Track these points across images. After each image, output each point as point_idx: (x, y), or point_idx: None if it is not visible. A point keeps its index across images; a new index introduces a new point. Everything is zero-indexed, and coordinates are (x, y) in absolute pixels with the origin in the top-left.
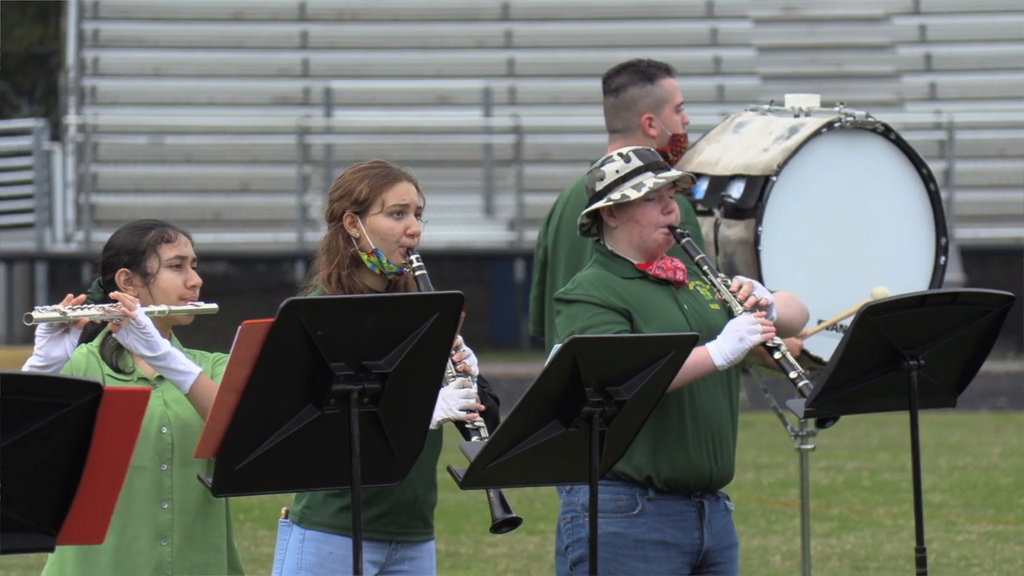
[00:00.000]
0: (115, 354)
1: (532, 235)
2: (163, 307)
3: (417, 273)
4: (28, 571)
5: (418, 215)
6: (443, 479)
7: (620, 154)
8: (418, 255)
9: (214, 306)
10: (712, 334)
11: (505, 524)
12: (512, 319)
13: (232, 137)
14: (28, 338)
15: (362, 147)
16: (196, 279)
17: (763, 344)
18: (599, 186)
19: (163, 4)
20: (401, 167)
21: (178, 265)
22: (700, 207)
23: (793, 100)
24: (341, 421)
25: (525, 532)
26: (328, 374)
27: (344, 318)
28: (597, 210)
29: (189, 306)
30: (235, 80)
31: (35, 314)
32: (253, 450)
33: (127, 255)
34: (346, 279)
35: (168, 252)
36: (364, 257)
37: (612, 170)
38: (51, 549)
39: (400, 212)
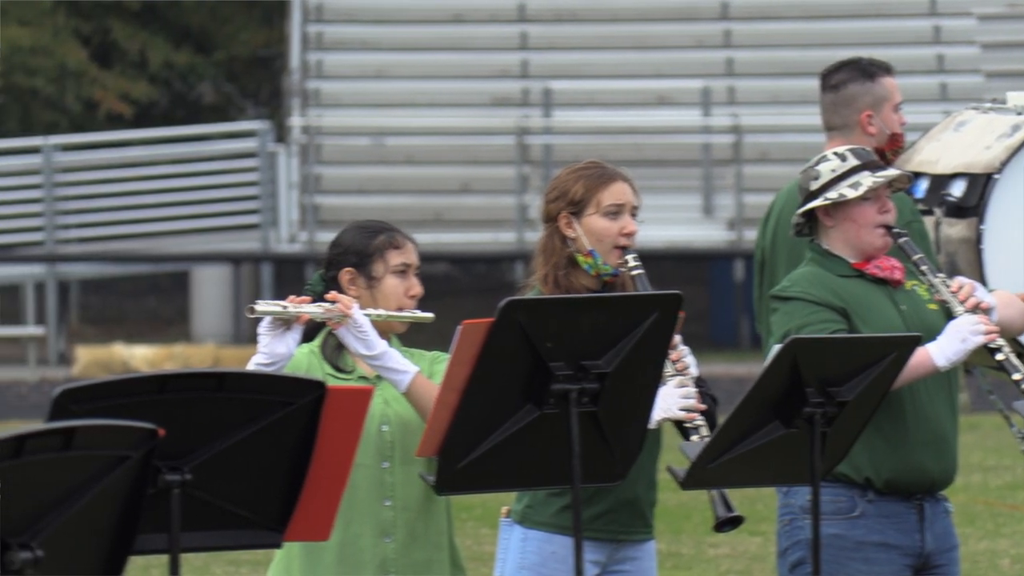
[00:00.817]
0: (335, 353)
1: (751, 235)
2: (381, 311)
3: (634, 273)
4: (257, 567)
5: (634, 215)
6: (663, 479)
7: (836, 153)
8: (635, 255)
9: (430, 315)
10: (930, 335)
11: (727, 523)
12: (732, 319)
13: (452, 138)
14: (254, 337)
15: (581, 147)
16: (418, 288)
17: (985, 346)
18: (814, 185)
19: (386, 6)
20: (616, 167)
21: (402, 272)
22: (920, 206)
23: (1016, 98)
24: (561, 421)
25: (747, 533)
26: (547, 374)
27: (563, 318)
28: (812, 210)
29: (406, 313)
30: (455, 81)
31: (258, 306)
32: (474, 449)
33: (354, 255)
34: (562, 279)
35: (395, 258)
36: (580, 258)
37: (827, 169)
38: (278, 545)
39: (615, 212)
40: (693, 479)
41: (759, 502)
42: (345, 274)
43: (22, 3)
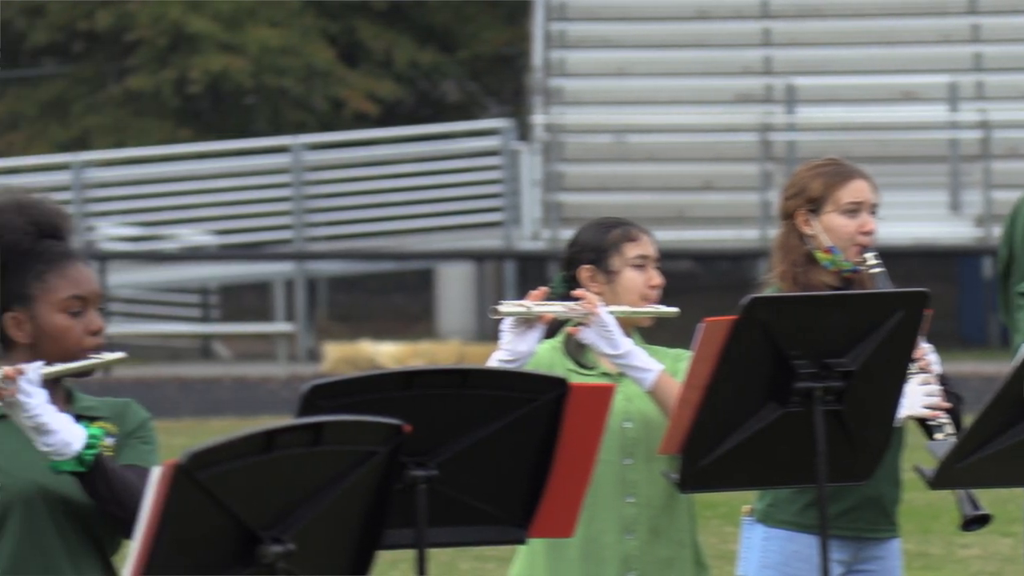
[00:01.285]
0: (578, 350)
1: (1000, 232)
2: (625, 308)
3: (874, 271)
4: (502, 563)
5: (873, 213)
6: (908, 478)
7: None
8: (875, 253)
9: (674, 310)
10: None
11: (974, 521)
12: (980, 317)
13: (695, 135)
14: (498, 334)
15: (824, 144)
16: (657, 279)
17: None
18: None
19: (628, 4)
20: (855, 164)
21: (640, 265)
22: None
23: None
24: (805, 419)
25: (998, 533)
26: (790, 372)
27: (806, 315)
28: None
29: (650, 308)
30: (698, 78)
31: (501, 308)
32: (717, 447)
33: (591, 252)
34: (801, 276)
35: (631, 251)
36: (819, 255)
37: None
38: (522, 541)
39: (854, 210)
40: (942, 479)
41: (1011, 502)
42: (584, 271)
43: (272, 4)
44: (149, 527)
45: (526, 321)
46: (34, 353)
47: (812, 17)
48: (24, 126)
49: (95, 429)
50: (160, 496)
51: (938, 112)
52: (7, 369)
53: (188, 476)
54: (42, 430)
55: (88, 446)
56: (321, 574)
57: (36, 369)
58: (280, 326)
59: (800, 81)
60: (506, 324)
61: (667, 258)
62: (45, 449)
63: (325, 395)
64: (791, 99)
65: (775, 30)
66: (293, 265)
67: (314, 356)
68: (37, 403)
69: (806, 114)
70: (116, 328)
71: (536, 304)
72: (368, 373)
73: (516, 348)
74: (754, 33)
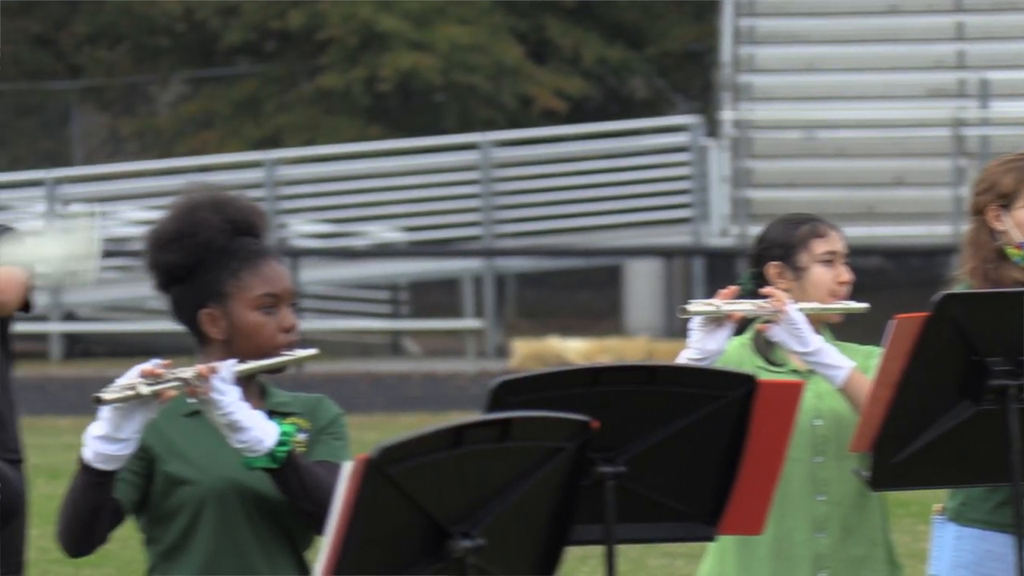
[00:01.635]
0: (767, 347)
1: None
2: (814, 305)
3: None
4: (692, 560)
5: None
6: None
7: None
8: None
9: (864, 305)
10: None
11: None
12: None
13: (885, 130)
14: (687, 332)
15: (1019, 139)
16: (846, 275)
17: None
18: None
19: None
20: None
21: (828, 261)
22: None
23: None
24: (998, 417)
25: None
26: (984, 369)
27: (1000, 312)
28: None
29: (839, 305)
30: (888, 73)
31: (690, 307)
32: (909, 444)
33: (779, 248)
34: (992, 273)
35: (819, 247)
36: (1010, 251)
37: None
38: (711, 539)
39: None
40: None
41: None
42: (772, 268)
43: (462, 2)
44: (341, 520)
45: (715, 319)
46: (228, 349)
47: (1007, 11)
48: (218, 124)
49: (287, 426)
50: (352, 490)
51: None
52: (201, 367)
53: (379, 470)
54: (235, 427)
55: (280, 443)
56: (510, 569)
57: (229, 367)
58: (469, 322)
59: (994, 75)
60: (695, 322)
61: (857, 254)
62: (238, 446)
63: (513, 391)
64: (985, 94)
65: (969, 24)
66: (481, 262)
67: (502, 352)
68: (230, 400)
69: (1000, 109)
70: (308, 324)
71: (725, 303)
72: (555, 369)
73: (705, 346)
74: (947, 27)
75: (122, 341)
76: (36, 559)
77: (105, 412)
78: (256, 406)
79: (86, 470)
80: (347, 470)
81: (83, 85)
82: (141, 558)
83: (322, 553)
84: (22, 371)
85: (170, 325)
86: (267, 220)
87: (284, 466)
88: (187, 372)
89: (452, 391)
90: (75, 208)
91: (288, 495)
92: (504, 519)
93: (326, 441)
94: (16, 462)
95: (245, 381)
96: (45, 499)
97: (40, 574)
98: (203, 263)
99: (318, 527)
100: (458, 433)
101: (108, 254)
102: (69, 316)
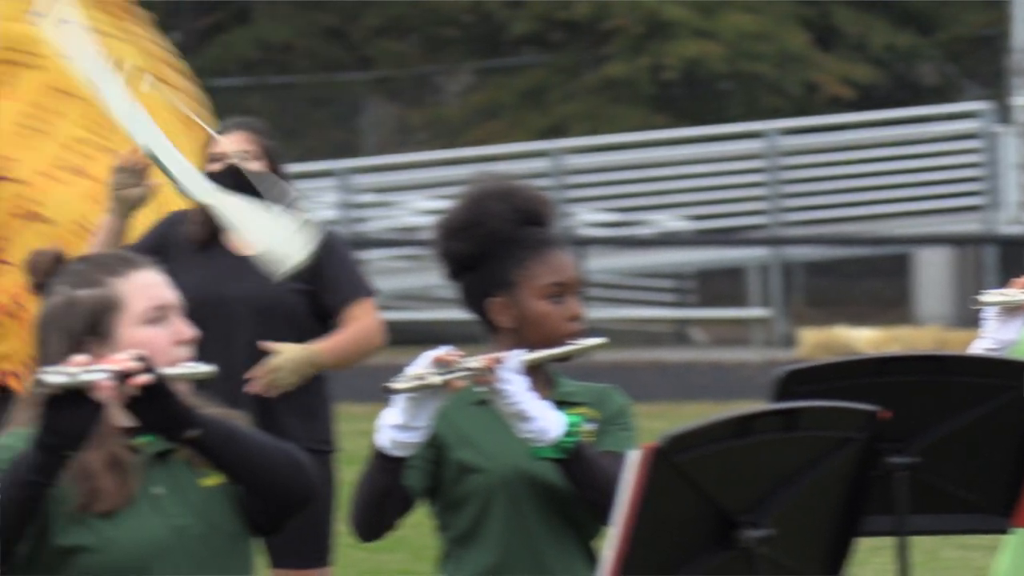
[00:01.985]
0: None
1: None
2: None
3: None
4: (988, 552)
5: None
6: None
7: None
8: None
9: None
10: None
11: None
12: None
13: None
14: (978, 321)
15: None
16: None
17: None
18: None
19: None
20: None
21: None
22: None
23: None
24: None
25: None
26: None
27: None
28: None
29: None
30: None
31: (984, 298)
32: None
33: None
34: None
35: None
36: None
37: None
38: (1005, 531)
39: None
40: None
41: None
42: None
43: None
44: (628, 509)
45: (1010, 308)
46: (517, 338)
47: None
48: (504, 114)
49: (574, 416)
50: (639, 478)
51: None
52: (488, 357)
53: (666, 459)
54: (522, 417)
55: (567, 433)
56: (799, 560)
57: (517, 357)
58: (755, 311)
59: None
60: (989, 312)
61: None
62: (525, 436)
63: (800, 381)
64: None
65: None
66: (768, 250)
67: (789, 341)
68: (518, 390)
69: None
70: (594, 313)
71: (1021, 292)
72: (842, 359)
73: (1000, 336)
74: None
75: (412, 329)
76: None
77: (399, 401)
78: (544, 395)
79: (380, 456)
80: (634, 459)
81: (373, 76)
82: (434, 544)
83: (609, 542)
84: None
85: (459, 313)
86: (554, 209)
87: (571, 456)
88: (476, 362)
89: (738, 380)
90: (302, 204)
91: (575, 485)
92: (792, 509)
93: (613, 431)
94: (325, 453)
95: (533, 370)
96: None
97: (340, 557)
98: (491, 252)
99: (604, 517)
100: (745, 422)
101: (397, 243)
102: None
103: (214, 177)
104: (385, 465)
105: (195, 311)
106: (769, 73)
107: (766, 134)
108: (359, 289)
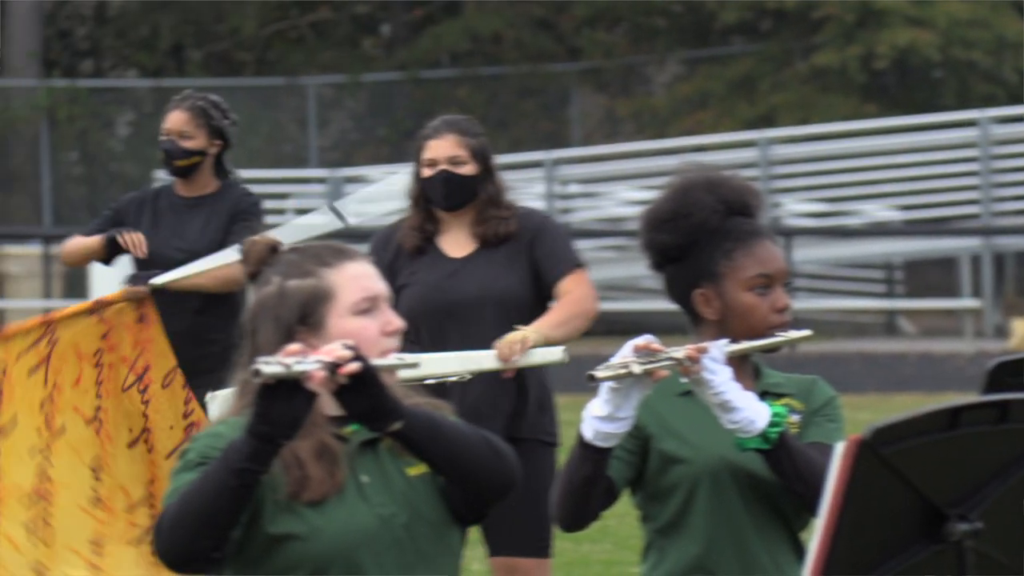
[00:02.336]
0: None
1: None
2: None
3: None
4: None
5: None
6: None
7: None
8: None
9: None
10: None
11: None
12: None
13: None
14: None
15: None
16: None
17: None
18: None
19: None
20: None
21: None
22: None
23: None
24: None
25: None
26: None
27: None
28: None
29: None
30: None
31: None
32: None
33: None
34: None
35: None
36: None
37: None
38: None
39: None
40: None
41: None
42: None
43: None
44: (833, 502)
45: None
46: (721, 330)
47: None
48: (713, 104)
49: (779, 407)
50: (845, 471)
51: None
52: (691, 348)
53: (872, 451)
54: (727, 407)
55: (772, 424)
56: (1009, 554)
57: (720, 347)
58: (966, 302)
59: None
60: None
61: None
62: (730, 427)
63: (1011, 372)
64: None
65: None
66: (980, 240)
67: (1001, 332)
68: (722, 380)
69: None
70: (801, 304)
71: None
72: None
73: None
74: None
75: (617, 320)
76: None
77: (604, 392)
78: (748, 386)
79: (584, 447)
80: (840, 451)
81: (582, 67)
82: (638, 534)
83: (815, 534)
84: None
85: (664, 304)
86: (761, 200)
87: (776, 447)
88: (679, 352)
89: (948, 371)
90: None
91: (780, 477)
92: (1002, 502)
93: (820, 423)
94: (551, 445)
95: (738, 361)
96: None
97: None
98: (697, 243)
99: (811, 509)
100: (955, 414)
101: (604, 234)
102: None
103: (426, 183)
104: (590, 455)
105: (430, 315)
106: (983, 60)
107: (979, 123)
108: (569, 261)
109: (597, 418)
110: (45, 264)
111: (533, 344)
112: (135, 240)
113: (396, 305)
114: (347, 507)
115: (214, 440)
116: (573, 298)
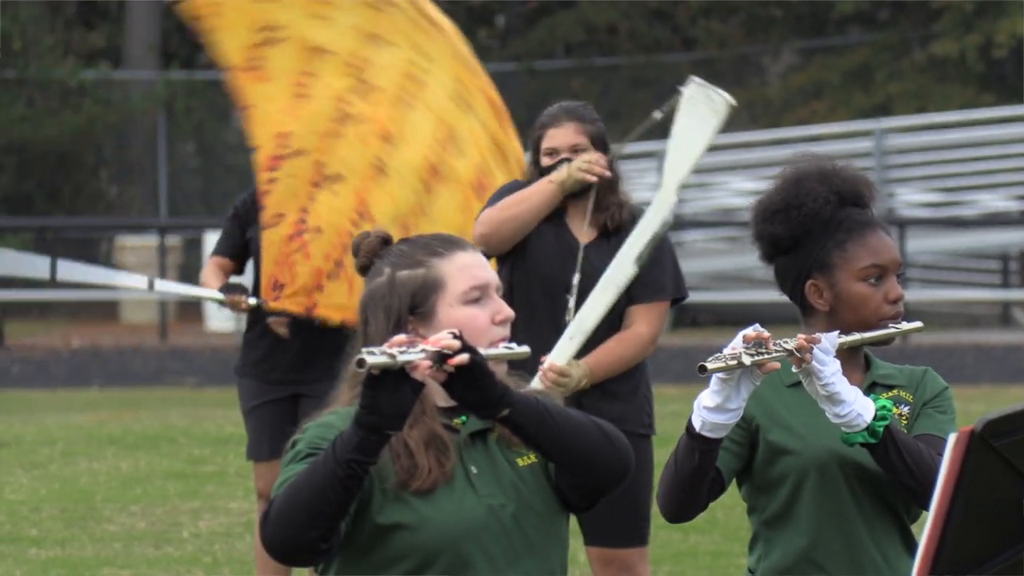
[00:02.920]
0: None
1: None
2: None
3: None
4: None
5: None
6: None
7: None
8: None
9: None
10: None
11: None
12: None
13: None
14: None
15: None
16: None
17: None
18: None
19: None
20: None
21: None
22: None
23: None
24: None
25: None
26: None
27: None
28: None
29: None
30: None
31: None
32: None
33: None
34: None
35: None
36: None
37: None
38: None
39: None
40: None
41: None
42: None
43: None
44: (944, 494)
45: None
46: (832, 321)
47: None
48: (827, 94)
49: (885, 401)
50: (956, 463)
51: None
52: (802, 338)
53: (984, 443)
54: (834, 400)
55: (878, 418)
56: None
57: (832, 339)
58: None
59: None
60: None
61: None
62: (836, 421)
63: None
64: None
65: None
66: None
67: None
68: (831, 372)
69: None
70: (915, 295)
71: None
72: None
73: None
74: None
75: (728, 311)
76: None
77: (714, 383)
78: (859, 378)
79: (694, 437)
80: (951, 443)
81: (696, 57)
82: (746, 526)
83: (926, 525)
84: None
85: (775, 295)
86: (874, 190)
87: (883, 441)
88: (790, 343)
89: None
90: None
91: (887, 470)
92: None
93: (931, 414)
94: (645, 435)
95: (848, 352)
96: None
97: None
98: (809, 234)
99: (922, 501)
100: None
101: (717, 224)
102: None
103: (547, 172)
104: (699, 446)
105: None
106: None
107: None
108: (654, 288)
109: (707, 409)
110: (161, 255)
111: (576, 384)
112: (236, 300)
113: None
114: (456, 497)
115: (324, 431)
116: (632, 337)
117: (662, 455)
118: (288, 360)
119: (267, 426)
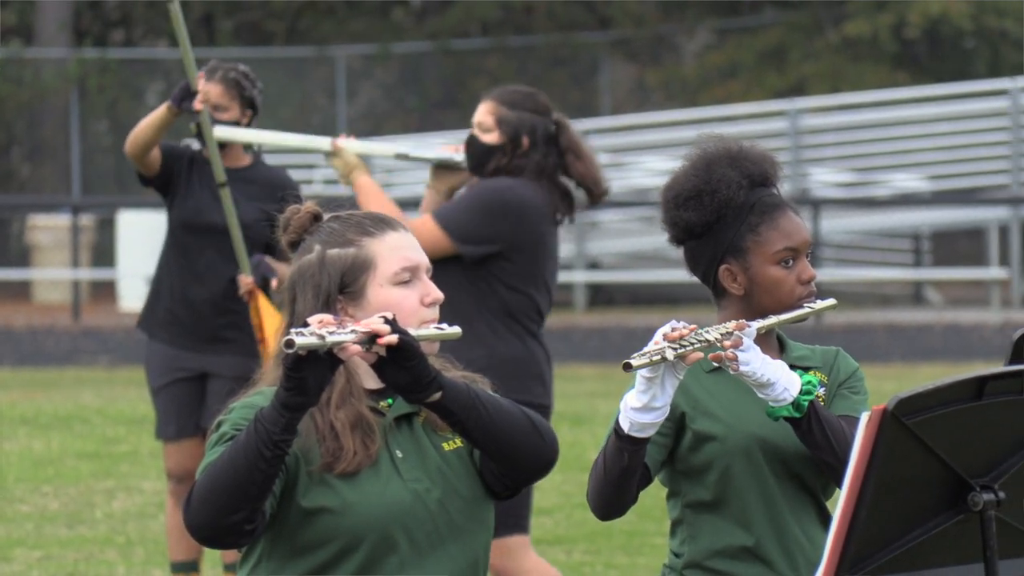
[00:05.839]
0: None
1: None
2: None
3: None
4: None
5: None
6: None
7: None
8: None
9: None
10: None
11: None
12: None
13: None
14: None
15: None
16: None
17: None
18: None
19: None
20: None
21: None
22: None
23: None
24: None
25: None
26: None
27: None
28: None
29: None
30: None
31: None
32: None
33: None
34: None
35: None
36: None
37: None
38: None
39: None
40: None
41: None
42: None
43: None
44: (856, 470)
45: None
46: (747, 304)
47: None
48: (742, 74)
49: (811, 376)
50: (868, 440)
51: None
52: (722, 327)
53: (896, 421)
54: (762, 384)
55: (804, 392)
56: None
57: (749, 332)
58: (993, 272)
59: None
60: None
61: None
62: (763, 396)
63: None
64: None
65: None
66: (1008, 210)
67: None
68: (753, 358)
69: None
70: (828, 274)
71: None
72: None
73: None
74: None
75: (644, 290)
76: (560, 504)
77: (640, 383)
78: (774, 359)
79: (622, 438)
80: (864, 421)
81: (612, 37)
82: (660, 505)
83: (840, 501)
84: (548, 320)
85: (690, 276)
86: (780, 169)
87: (807, 416)
88: (710, 333)
89: (975, 342)
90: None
91: (810, 447)
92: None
93: (846, 395)
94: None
95: (764, 335)
96: (568, 446)
97: (564, 518)
98: (721, 219)
99: (837, 479)
100: (980, 384)
101: (632, 204)
102: (593, 265)
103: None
104: (627, 447)
105: None
106: (1015, 29)
107: (1010, 92)
108: (442, 216)
109: (634, 409)
110: (74, 234)
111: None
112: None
113: None
114: (381, 481)
115: (249, 412)
116: (417, 222)
117: (579, 433)
118: (201, 331)
119: (175, 406)
